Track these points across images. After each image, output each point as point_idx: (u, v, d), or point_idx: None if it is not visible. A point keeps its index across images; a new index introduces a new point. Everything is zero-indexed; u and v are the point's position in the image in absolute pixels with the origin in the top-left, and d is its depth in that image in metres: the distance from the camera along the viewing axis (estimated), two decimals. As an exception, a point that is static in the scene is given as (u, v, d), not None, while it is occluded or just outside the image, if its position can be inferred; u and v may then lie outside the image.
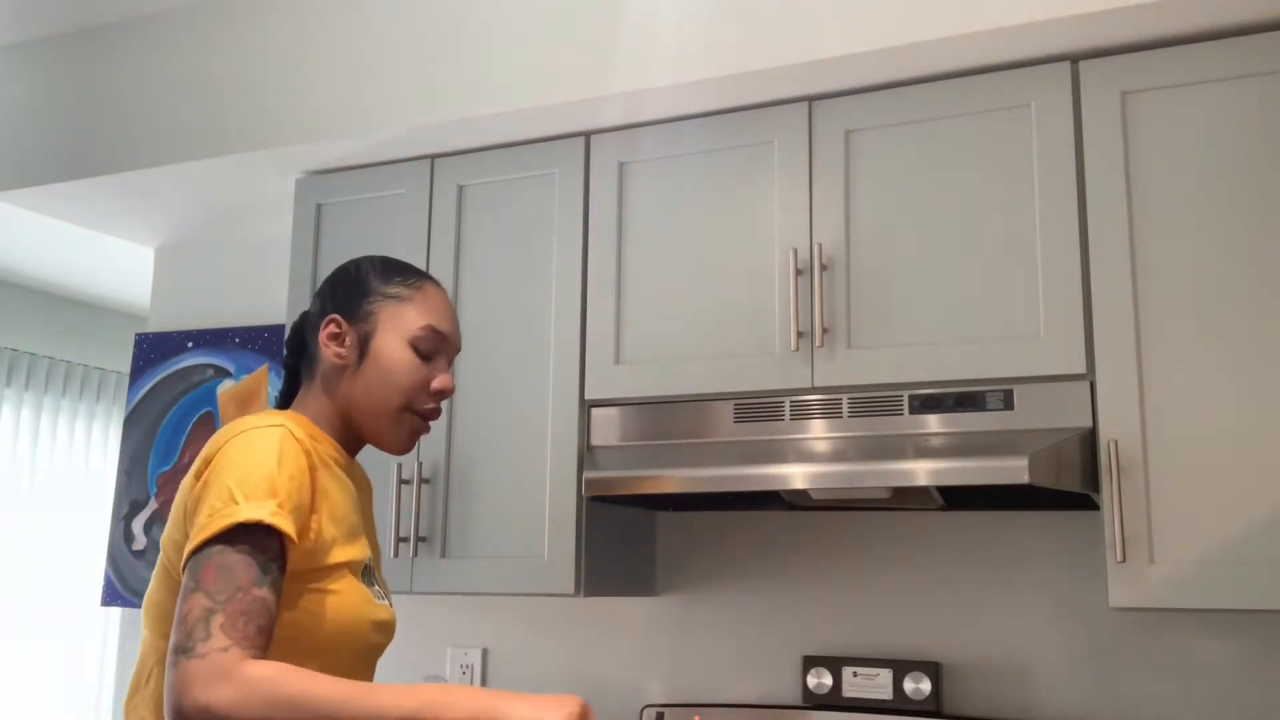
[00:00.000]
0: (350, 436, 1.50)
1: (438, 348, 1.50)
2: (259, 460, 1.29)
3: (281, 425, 1.35)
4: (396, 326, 1.47)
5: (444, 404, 2.31)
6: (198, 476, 1.31)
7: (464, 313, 2.35)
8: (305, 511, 1.31)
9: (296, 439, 1.34)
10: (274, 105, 2.51)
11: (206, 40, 2.65)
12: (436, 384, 1.48)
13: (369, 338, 1.47)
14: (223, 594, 1.20)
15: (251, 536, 1.24)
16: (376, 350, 1.46)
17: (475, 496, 2.26)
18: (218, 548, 1.23)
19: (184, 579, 1.23)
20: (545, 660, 2.52)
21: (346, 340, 1.47)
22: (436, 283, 1.55)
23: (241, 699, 1.15)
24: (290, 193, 2.66)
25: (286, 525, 1.26)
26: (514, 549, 2.20)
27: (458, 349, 1.55)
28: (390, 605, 1.49)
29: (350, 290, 1.51)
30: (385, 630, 1.44)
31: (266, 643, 1.22)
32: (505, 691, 1.21)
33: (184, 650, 1.17)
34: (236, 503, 1.25)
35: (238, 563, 1.22)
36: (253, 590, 1.21)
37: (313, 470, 1.35)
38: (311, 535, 1.32)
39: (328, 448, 1.45)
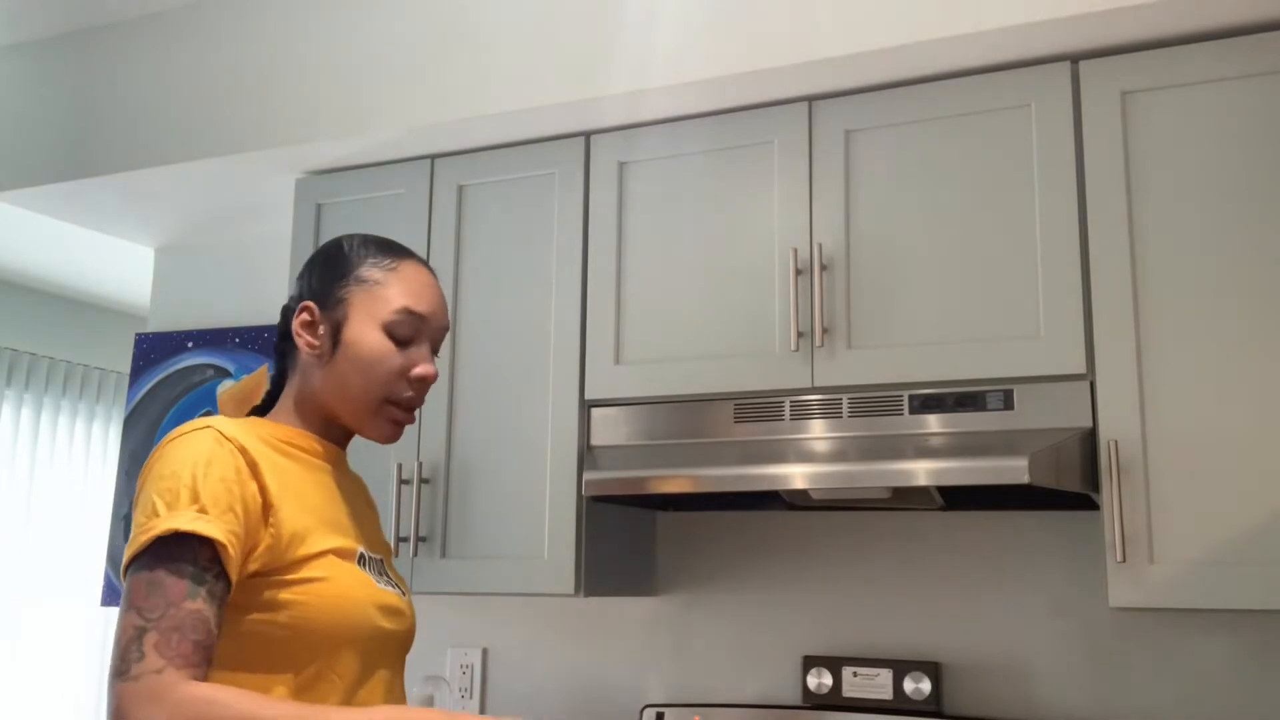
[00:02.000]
0: (335, 427, 1.44)
1: (416, 331, 1.41)
2: (182, 466, 1.24)
3: (209, 427, 1.29)
4: (369, 312, 1.39)
5: (446, 404, 2.31)
6: (138, 488, 1.29)
7: (464, 313, 2.35)
8: (250, 511, 1.26)
9: (228, 438, 1.28)
10: (274, 105, 2.51)
11: (206, 40, 2.65)
12: (417, 371, 1.40)
13: (341, 325, 1.39)
14: (154, 610, 1.16)
15: (179, 547, 1.19)
16: (349, 339, 1.39)
17: (475, 496, 2.26)
18: (146, 563, 1.19)
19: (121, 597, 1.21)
20: (545, 660, 2.52)
21: (319, 329, 1.41)
22: (417, 260, 1.46)
23: None
24: (290, 193, 2.66)
25: (210, 529, 1.20)
26: (514, 549, 2.20)
27: (443, 329, 1.46)
28: (404, 596, 1.44)
29: (325, 274, 1.44)
30: (395, 616, 1.38)
31: (205, 659, 1.17)
32: (464, 714, 1.17)
33: (119, 673, 1.14)
34: (158, 515, 1.21)
35: (166, 577, 1.18)
36: (184, 604, 1.17)
37: (254, 467, 1.28)
38: (271, 531, 1.27)
39: (304, 441, 1.41)
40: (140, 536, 1.21)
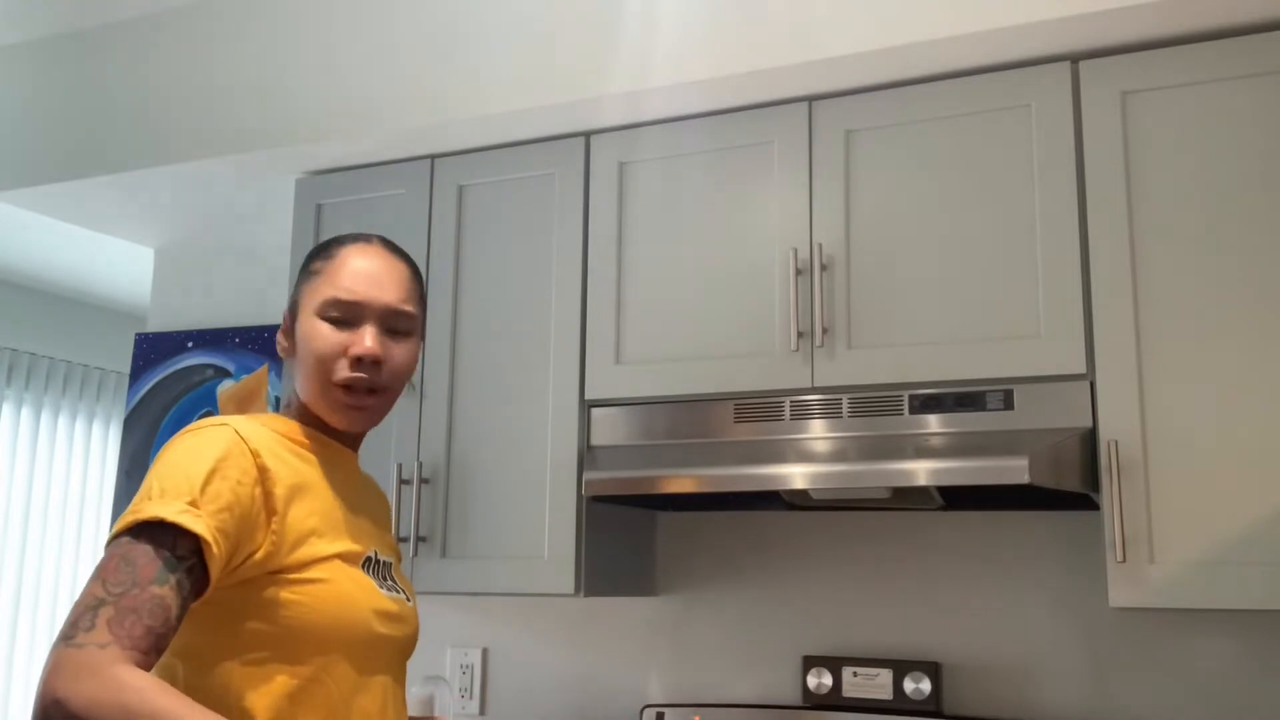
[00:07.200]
0: (329, 427, 1.45)
1: (355, 315, 1.41)
2: (191, 460, 1.26)
3: (226, 425, 1.31)
4: (309, 303, 1.43)
5: (446, 404, 2.31)
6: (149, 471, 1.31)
7: (464, 313, 2.35)
8: (248, 516, 1.26)
9: (243, 438, 1.30)
10: (274, 105, 2.51)
11: (206, 40, 2.65)
12: (353, 350, 1.39)
13: (295, 322, 1.45)
14: (118, 586, 1.16)
15: (163, 534, 1.20)
16: (298, 332, 1.44)
17: (475, 496, 2.26)
18: (126, 539, 1.20)
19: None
20: (545, 660, 2.52)
21: (291, 331, 1.46)
22: (363, 243, 1.46)
23: (97, 700, 1.10)
24: (290, 193, 2.66)
25: (197, 526, 1.20)
26: (514, 549, 2.20)
27: (386, 308, 1.42)
28: (407, 600, 1.45)
29: (295, 279, 1.50)
30: (394, 622, 1.39)
31: (155, 646, 1.16)
32: None
33: (65, 637, 1.13)
34: (151, 498, 1.22)
35: (141, 555, 1.18)
36: (150, 588, 1.16)
37: (264, 470, 1.30)
38: (273, 538, 1.28)
39: (315, 444, 1.42)
40: (128, 517, 1.22)
